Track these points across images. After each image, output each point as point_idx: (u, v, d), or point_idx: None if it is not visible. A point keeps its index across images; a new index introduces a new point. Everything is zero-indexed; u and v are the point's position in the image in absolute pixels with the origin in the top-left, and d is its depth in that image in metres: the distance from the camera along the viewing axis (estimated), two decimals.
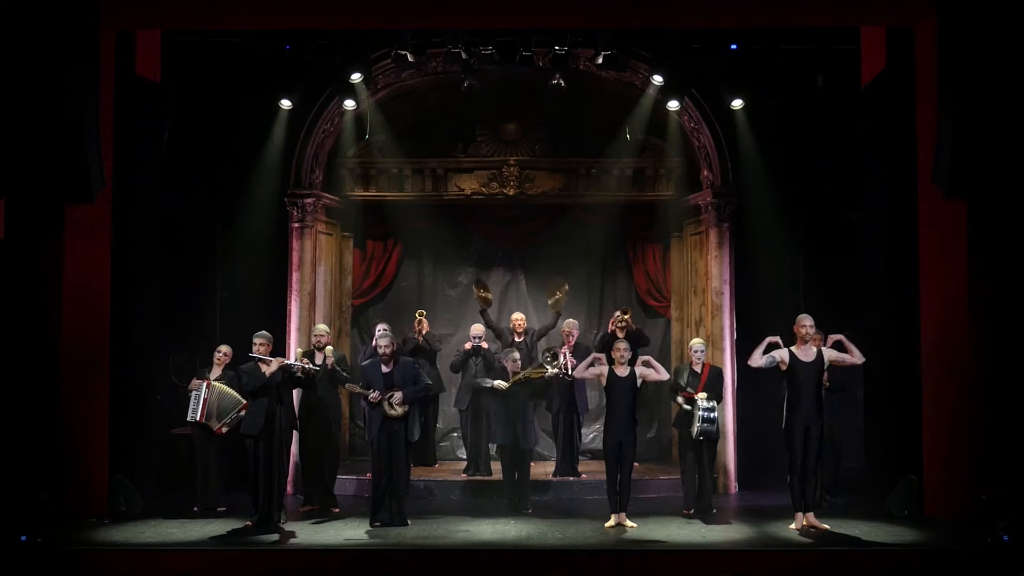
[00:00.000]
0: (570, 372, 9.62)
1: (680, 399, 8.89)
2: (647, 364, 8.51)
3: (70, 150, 7.77)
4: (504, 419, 9.16)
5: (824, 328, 8.34)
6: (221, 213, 10.63)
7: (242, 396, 8.73)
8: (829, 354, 8.12)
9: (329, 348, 9.21)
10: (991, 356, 8.04)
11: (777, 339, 8.22)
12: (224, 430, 8.97)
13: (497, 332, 10.59)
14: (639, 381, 8.41)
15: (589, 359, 8.65)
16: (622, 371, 8.40)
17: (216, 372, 9.13)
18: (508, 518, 8.67)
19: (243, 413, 8.71)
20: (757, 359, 8.18)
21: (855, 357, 8.13)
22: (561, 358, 9.81)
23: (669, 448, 11.51)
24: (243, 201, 10.63)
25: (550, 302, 10.95)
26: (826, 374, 8.30)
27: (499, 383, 9.23)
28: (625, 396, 8.36)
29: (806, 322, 8.13)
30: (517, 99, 11.35)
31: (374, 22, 9.28)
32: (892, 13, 8.80)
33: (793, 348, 8.13)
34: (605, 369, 8.46)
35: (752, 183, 10.61)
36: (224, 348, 9.25)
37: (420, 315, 10.88)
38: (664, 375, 8.62)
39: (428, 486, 9.96)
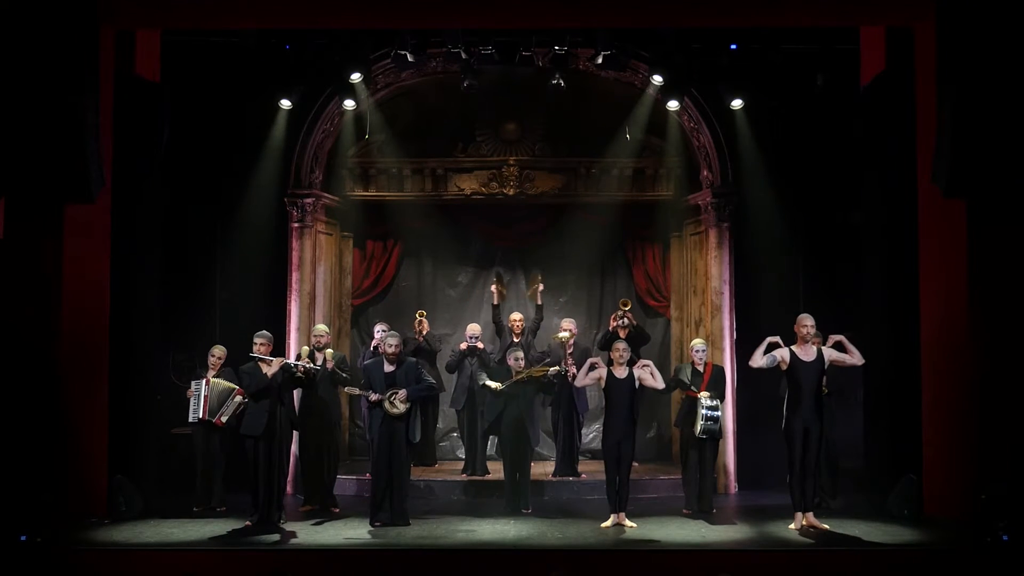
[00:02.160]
0: (571, 367, 9.67)
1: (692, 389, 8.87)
2: (646, 367, 8.51)
3: (70, 150, 7.78)
4: (508, 417, 9.15)
5: (824, 328, 8.35)
6: (221, 213, 10.61)
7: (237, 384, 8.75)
8: (829, 354, 8.12)
9: (329, 351, 9.21)
10: (991, 356, 8.03)
11: (777, 339, 8.22)
12: (224, 419, 8.92)
13: (500, 329, 10.59)
14: (637, 382, 8.41)
15: (586, 366, 8.64)
16: (621, 372, 8.40)
17: (212, 374, 9.12)
18: (508, 518, 8.67)
19: (239, 399, 8.72)
20: (758, 360, 8.18)
21: (855, 358, 8.13)
22: (563, 363, 9.87)
23: (669, 448, 11.51)
24: (243, 201, 10.61)
25: (528, 294, 10.95)
26: (825, 378, 8.28)
27: (495, 384, 9.21)
28: (624, 397, 8.36)
29: (807, 322, 8.13)
30: (517, 99, 11.34)
31: (374, 22, 9.28)
32: (891, 13, 8.80)
33: (794, 347, 8.13)
34: (604, 371, 8.46)
35: (752, 183, 10.61)
36: (217, 351, 9.22)
37: (420, 315, 10.88)
38: (660, 385, 8.59)
39: (428, 486, 9.96)
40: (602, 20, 9.27)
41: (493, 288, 10.84)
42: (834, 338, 8.18)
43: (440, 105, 11.37)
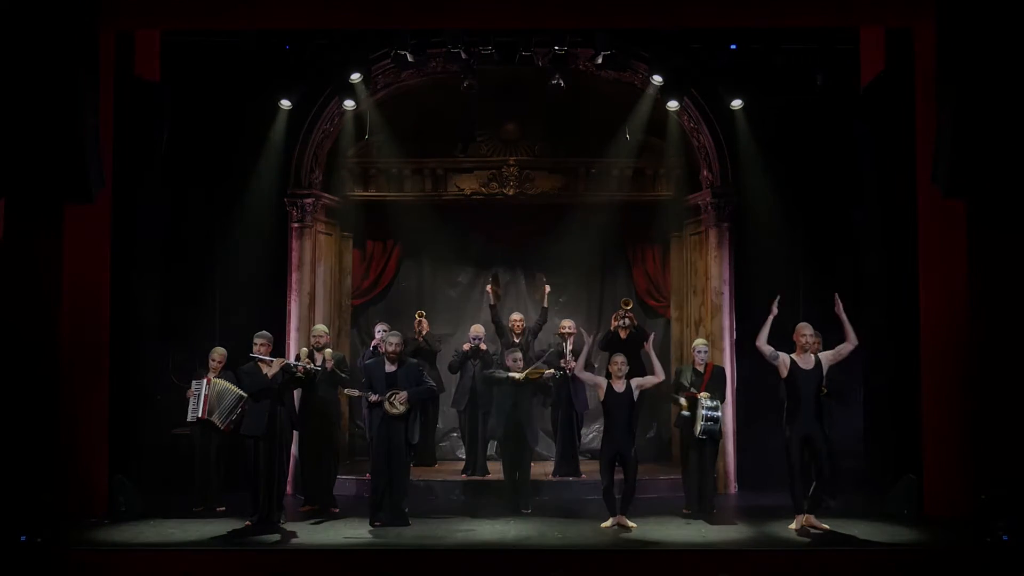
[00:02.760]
0: (569, 363, 9.69)
1: (682, 400, 8.88)
2: (646, 357, 8.51)
3: (69, 150, 7.77)
4: (507, 418, 9.15)
5: (824, 330, 8.34)
6: (221, 213, 10.61)
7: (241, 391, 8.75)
8: (827, 357, 8.10)
9: (328, 351, 9.19)
10: (991, 356, 8.03)
11: (775, 307, 8.16)
12: (229, 427, 8.93)
13: (500, 329, 10.59)
14: (636, 394, 8.39)
15: (585, 351, 8.66)
16: (619, 386, 8.38)
17: (213, 376, 9.11)
18: (508, 518, 8.67)
19: (243, 408, 8.70)
20: (763, 339, 8.12)
21: (849, 341, 8.06)
22: (562, 362, 9.88)
23: (669, 448, 11.51)
24: (243, 201, 10.61)
25: (537, 296, 10.96)
26: (824, 379, 8.28)
27: (514, 374, 9.20)
28: (623, 411, 8.34)
29: (806, 331, 8.10)
30: (517, 99, 11.32)
31: (374, 22, 9.28)
32: (891, 13, 8.80)
33: (793, 356, 8.10)
34: (603, 382, 8.44)
35: (752, 183, 10.61)
36: (217, 354, 9.20)
37: (420, 316, 10.87)
38: (660, 375, 8.58)
39: (428, 486, 9.96)
40: (602, 20, 9.26)
41: (489, 289, 10.85)
42: (838, 307, 8.08)
43: (440, 105, 11.36)
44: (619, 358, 8.51)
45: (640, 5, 8.77)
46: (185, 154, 10.15)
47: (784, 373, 8.09)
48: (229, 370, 9.06)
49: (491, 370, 9.53)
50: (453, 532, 8.07)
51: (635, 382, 8.41)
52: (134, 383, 9.17)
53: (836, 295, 8.12)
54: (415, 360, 8.92)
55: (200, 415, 8.97)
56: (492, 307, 10.68)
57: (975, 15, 7.79)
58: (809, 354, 8.09)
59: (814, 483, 8.09)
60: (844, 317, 8.06)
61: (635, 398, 8.37)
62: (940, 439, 8.44)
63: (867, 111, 9.62)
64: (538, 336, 10.74)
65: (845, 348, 8.08)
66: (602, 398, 8.43)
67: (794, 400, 8.06)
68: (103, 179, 8.14)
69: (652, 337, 9.00)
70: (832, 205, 10.59)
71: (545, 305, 10.70)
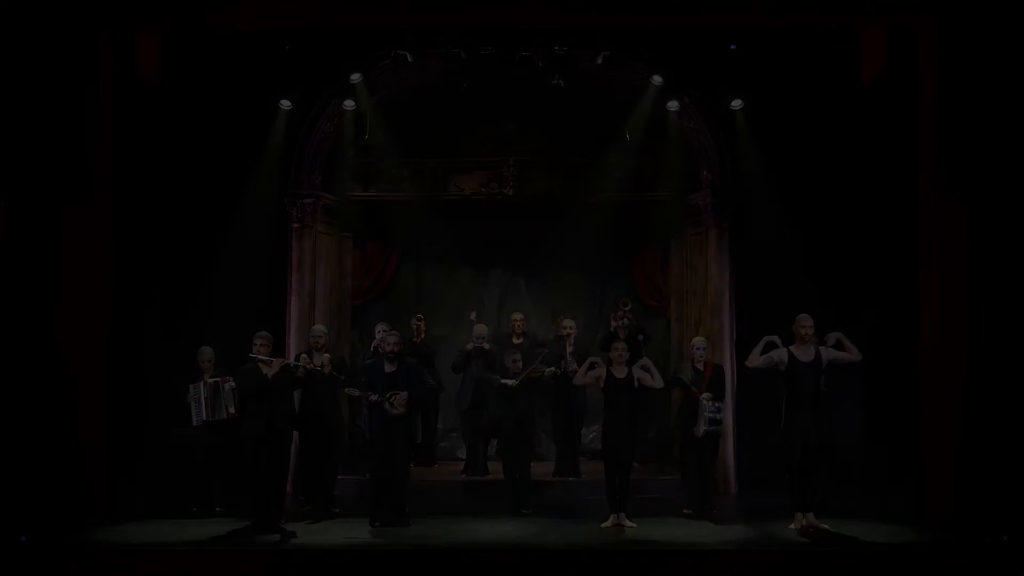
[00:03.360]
0: (570, 364, 9.68)
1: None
2: (645, 368, 8.50)
3: (70, 150, 7.79)
4: (508, 419, 9.16)
5: (824, 328, 8.36)
6: (221, 213, 10.60)
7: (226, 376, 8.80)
8: (828, 353, 8.14)
9: (327, 356, 9.13)
10: (991, 357, 8.04)
11: (775, 338, 8.21)
12: (232, 410, 8.88)
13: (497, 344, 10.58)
14: (636, 382, 8.40)
15: (586, 364, 8.66)
16: (620, 372, 8.40)
17: (208, 376, 9.08)
18: (508, 518, 8.67)
19: (228, 386, 8.70)
20: (755, 360, 8.20)
21: (852, 354, 8.14)
22: (563, 362, 9.88)
23: (669, 448, 11.50)
24: (243, 201, 10.60)
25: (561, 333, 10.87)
26: (823, 379, 8.29)
27: (509, 381, 9.22)
28: (623, 397, 8.36)
29: (806, 322, 8.15)
30: (517, 99, 11.33)
31: (374, 22, 9.29)
32: (892, 13, 8.80)
33: (792, 348, 8.14)
34: (603, 371, 8.45)
35: (752, 183, 10.61)
36: (204, 354, 9.14)
37: (418, 320, 10.84)
38: (659, 383, 8.59)
39: (428, 486, 9.96)
40: (602, 20, 9.27)
41: (473, 316, 10.82)
42: (833, 337, 8.17)
43: (440, 105, 11.36)
44: (620, 344, 8.52)
45: (640, 5, 8.78)
46: (185, 154, 10.14)
47: (783, 367, 8.12)
48: (223, 367, 9.05)
49: (487, 375, 9.54)
50: (453, 532, 8.07)
51: (636, 372, 8.41)
52: (134, 383, 9.17)
53: (824, 338, 8.18)
54: (415, 360, 8.91)
55: (204, 418, 8.95)
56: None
57: (976, 15, 7.81)
58: (809, 345, 8.12)
59: (813, 478, 8.10)
60: (845, 342, 8.12)
61: (636, 385, 8.36)
62: (940, 440, 8.44)
63: (867, 111, 9.62)
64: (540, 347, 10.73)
65: (848, 357, 8.14)
66: (602, 385, 8.42)
67: (793, 391, 8.09)
68: (103, 179, 8.14)
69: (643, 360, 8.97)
70: (832, 205, 10.58)
71: (559, 335, 10.61)
